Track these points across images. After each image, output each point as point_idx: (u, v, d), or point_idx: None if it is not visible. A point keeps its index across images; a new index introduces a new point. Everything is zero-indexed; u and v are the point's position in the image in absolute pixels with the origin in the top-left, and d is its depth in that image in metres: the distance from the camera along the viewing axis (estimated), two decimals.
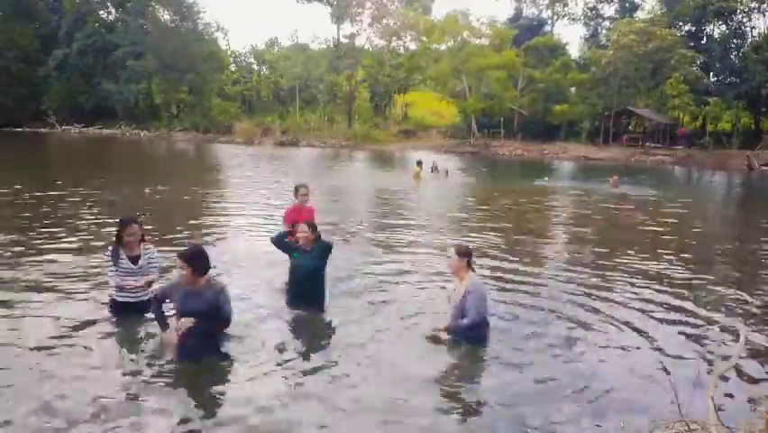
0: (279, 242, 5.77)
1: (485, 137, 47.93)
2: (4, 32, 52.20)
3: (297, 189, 6.87)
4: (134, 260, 5.07)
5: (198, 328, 4.36)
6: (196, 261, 4.43)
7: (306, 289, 5.62)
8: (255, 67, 65.75)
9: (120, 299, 5.09)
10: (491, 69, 46.99)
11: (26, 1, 55.02)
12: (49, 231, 9.12)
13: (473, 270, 5.04)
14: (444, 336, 4.95)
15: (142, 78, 53.24)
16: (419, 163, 21.42)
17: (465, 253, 4.94)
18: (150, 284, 5.13)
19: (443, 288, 6.57)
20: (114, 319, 5.15)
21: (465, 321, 4.83)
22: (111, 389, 4.01)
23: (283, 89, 60.82)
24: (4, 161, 23.98)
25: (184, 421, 3.66)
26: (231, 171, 23.26)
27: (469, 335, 4.88)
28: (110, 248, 5.13)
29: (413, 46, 58.14)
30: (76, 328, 5.03)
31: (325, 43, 65.13)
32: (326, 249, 5.70)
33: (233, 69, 64.29)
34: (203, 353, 4.48)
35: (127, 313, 5.10)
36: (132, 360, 4.53)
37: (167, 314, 4.64)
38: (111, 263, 5.05)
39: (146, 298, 5.03)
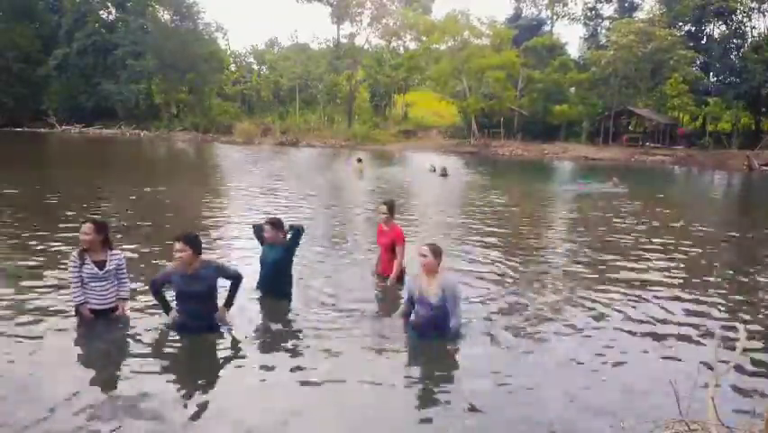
0: (256, 232, 6.08)
1: (485, 137, 47.98)
2: (4, 32, 52.23)
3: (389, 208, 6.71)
4: (100, 265, 4.91)
5: (198, 308, 4.76)
6: (195, 241, 4.76)
7: (271, 278, 5.89)
8: (255, 67, 65.81)
9: (91, 306, 4.93)
10: (491, 70, 47.03)
11: (26, 1, 55.06)
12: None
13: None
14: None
15: (142, 78, 53.31)
16: (359, 160, 22.83)
17: (440, 253, 5.02)
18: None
19: None
20: (85, 326, 4.97)
21: (453, 323, 4.95)
22: (98, 391, 4.03)
23: (283, 89, 60.84)
24: None
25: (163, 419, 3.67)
26: (230, 173, 23.27)
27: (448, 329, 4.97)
28: (75, 253, 4.94)
29: (413, 46, 58.28)
30: (49, 336, 4.91)
31: (325, 43, 65.32)
32: (294, 237, 5.94)
33: (233, 68, 64.33)
34: (200, 330, 4.82)
35: (99, 317, 4.96)
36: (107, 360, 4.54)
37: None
38: (76, 269, 4.86)
39: (113, 305, 5.03)
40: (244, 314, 5.48)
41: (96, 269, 4.88)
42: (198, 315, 4.85)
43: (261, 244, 6.01)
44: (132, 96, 52.87)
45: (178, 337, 4.87)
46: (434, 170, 21.99)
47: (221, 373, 4.43)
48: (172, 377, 4.26)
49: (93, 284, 4.88)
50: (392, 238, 6.55)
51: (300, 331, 5.29)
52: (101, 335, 4.91)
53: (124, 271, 5.10)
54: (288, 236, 5.93)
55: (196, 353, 4.74)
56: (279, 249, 5.87)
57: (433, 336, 4.94)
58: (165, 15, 56.31)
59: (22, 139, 40.08)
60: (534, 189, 19.75)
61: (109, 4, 57.95)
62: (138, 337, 4.91)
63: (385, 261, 6.67)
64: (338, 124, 54.26)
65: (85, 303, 4.89)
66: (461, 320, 5.05)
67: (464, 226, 11.24)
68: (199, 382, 4.20)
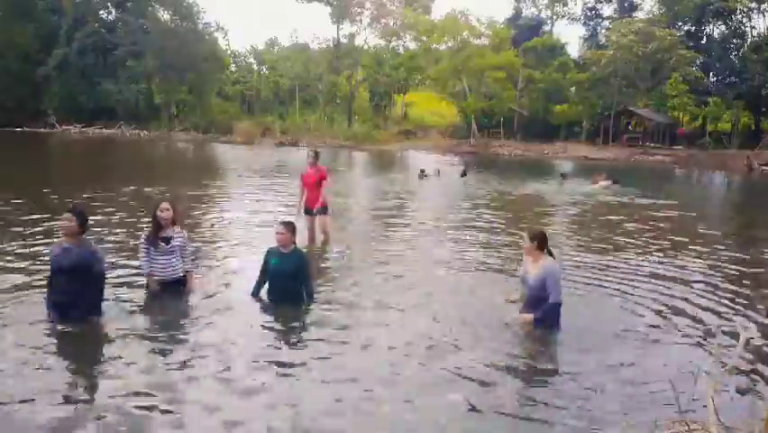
0: (259, 286, 5.87)
1: (485, 137, 48.01)
2: (4, 32, 52.11)
3: None
4: (167, 240, 5.59)
5: (68, 286, 4.78)
6: (83, 215, 4.94)
7: (286, 293, 5.71)
8: (255, 67, 65.78)
9: (158, 277, 5.64)
10: (491, 70, 47.05)
11: (26, 1, 54.97)
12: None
13: (551, 254, 5.33)
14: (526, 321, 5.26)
15: (142, 78, 53.22)
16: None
17: (536, 237, 5.23)
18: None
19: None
20: (152, 295, 5.67)
21: (550, 299, 5.11)
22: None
23: (283, 89, 60.82)
24: None
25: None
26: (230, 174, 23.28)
27: (549, 316, 5.16)
28: (146, 231, 5.72)
29: (413, 46, 58.25)
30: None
31: (325, 43, 65.23)
32: (303, 261, 5.79)
33: (233, 69, 64.29)
34: (74, 312, 4.84)
35: (166, 288, 5.65)
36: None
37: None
38: (145, 245, 5.60)
39: (180, 275, 5.71)
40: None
41: (163, 244, 5.57)
42: (66, 291, 4.91)
43: (267, 266, 5.77)
44: (132, 96, 52.76)
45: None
46: (426, 175, 21.54)
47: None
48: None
49: (159, 258, 5.58)
50: (320, 177, 8.55)
51: (302, 326, 5.36)
52: (167, 305, 5.59)
53: (187, 246, 5.82)
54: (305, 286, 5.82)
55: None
56: (291, 262, 5.69)
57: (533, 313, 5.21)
58: (165, 15, 56.24)
59: (31, 141, 39.93)
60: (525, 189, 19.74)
61: (109, 5, 57.86)
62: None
63: (311, 198, 8.57)
64: (338, 124, 54.25)
65: (151, 274, 5.60)
66: (559, 298, 5.15)
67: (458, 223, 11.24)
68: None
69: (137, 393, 3.94)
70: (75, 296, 4.81)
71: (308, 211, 8.67)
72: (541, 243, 5.24)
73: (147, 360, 4.48)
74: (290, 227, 5.79)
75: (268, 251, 5.86)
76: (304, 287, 5.78)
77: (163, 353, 4.64)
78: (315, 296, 5.93)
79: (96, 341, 4.87)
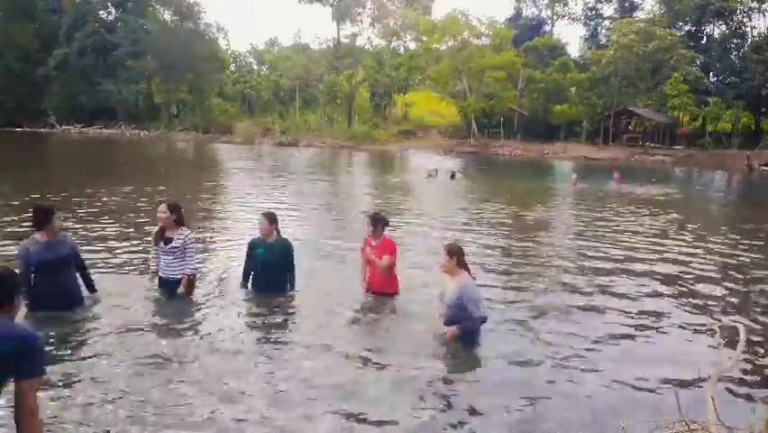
0: (247, 275, 6.08)
1: (485, 137, 47.99)
2: (4, 32, 52.20)
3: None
4: (166, 241, 5.66)
5: (59, 277, 5.05)
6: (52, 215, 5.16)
7: (271, 281, 5.94)
8: (255, 67, 65.78)
9: (161, 275, 5.80)
10: (491, 70, 47.01)
11: (26, 1, 54.99)
12: None
13: (467, 269, 5.01)
14: (445, 332, 4.95)
15: (142, 78, 53.27)
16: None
17: (455, 252, 4.93)
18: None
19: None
20: (157, 290, 5.89)
21: (477, 313, 4.76)
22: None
23: (283, 89, 60.81)
24: None
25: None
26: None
27: (472, 329, 4.87)
28: (154, 230, 5.85)
29: (413, 46, 58.21)
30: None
31: (326, 43, 65.23)
32: (287, 249, 6.00)
33: (232, 68, 64.30)
34: (57, 304, 5.05)
35: (165, 286, 5.78)
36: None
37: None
38: (153, 245, 5.82)
39: (179, 277, 5.69)
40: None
41: (162, 244, 5.67)
42: (55, 282, 5.13)
43: (254, 253, 5.95)
44: (131, 96, 52.82)
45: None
46: (436, 174, 22.21)
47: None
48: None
49: (162, 257, 5.72)
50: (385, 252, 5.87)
51: (301, 326, 5.36)
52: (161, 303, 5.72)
53: (190, 248, 5.76)
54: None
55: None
56: (275, 251, 5.90)
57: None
58: (165, 15, 56.32)
59: (30, 140, 39.90)
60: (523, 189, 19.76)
61: (109, 4, 57.94)
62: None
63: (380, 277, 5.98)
64: (338, 124, 54.21)
65: (156, 271, 5.81)
66: (483, 312, 4.83)
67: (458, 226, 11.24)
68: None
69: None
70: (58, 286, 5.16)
71: None
72: (459, 258, 4.90)
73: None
74: (269, 217, 5.96)
75: (251, 241, 6.07)
76: (289, 274, 6.03)
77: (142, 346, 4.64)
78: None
79: (82, 332, 5.03)
